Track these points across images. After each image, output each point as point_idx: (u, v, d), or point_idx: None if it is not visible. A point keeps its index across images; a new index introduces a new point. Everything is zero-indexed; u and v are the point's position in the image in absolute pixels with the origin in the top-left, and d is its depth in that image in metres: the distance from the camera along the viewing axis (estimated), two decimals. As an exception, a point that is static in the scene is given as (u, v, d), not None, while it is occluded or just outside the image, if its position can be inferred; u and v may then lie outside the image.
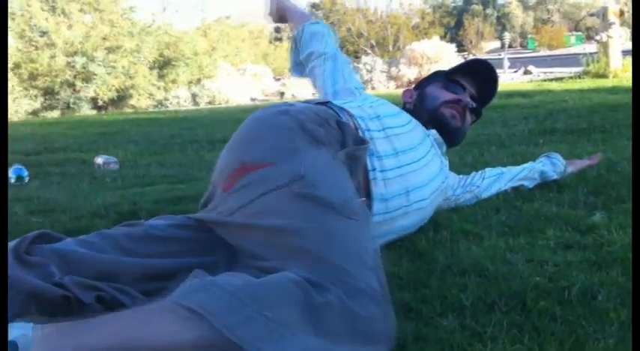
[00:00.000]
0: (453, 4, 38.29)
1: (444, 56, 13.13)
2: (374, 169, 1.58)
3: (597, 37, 9.51)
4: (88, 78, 11.67)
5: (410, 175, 1.66)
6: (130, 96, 11.94)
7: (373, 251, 1.18)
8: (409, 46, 14.11)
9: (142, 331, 0.97)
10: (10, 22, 11.20)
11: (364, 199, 1.50)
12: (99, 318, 1.02)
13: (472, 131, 2.28)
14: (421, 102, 1.96)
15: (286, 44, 25.65)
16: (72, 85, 11.73)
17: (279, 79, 14.83)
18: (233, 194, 1.31)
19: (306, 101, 1.66)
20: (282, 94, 13.02)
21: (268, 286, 1.02)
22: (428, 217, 1.80)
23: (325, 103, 1.63)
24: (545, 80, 9.85)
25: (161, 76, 12.49)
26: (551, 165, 2.29)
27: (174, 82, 12.52)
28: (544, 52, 28.90)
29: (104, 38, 12.22)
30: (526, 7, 38.74)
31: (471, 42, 31.84)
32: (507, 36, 18.15)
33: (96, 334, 0.97)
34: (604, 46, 9.19)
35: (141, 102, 11.99)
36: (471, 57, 15.81)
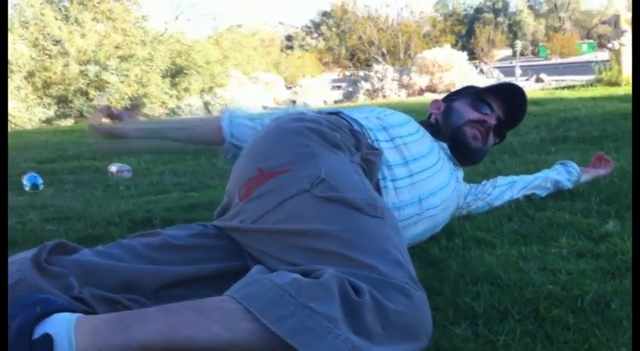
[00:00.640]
0: (464, 12, 38.29)
1: (456, 64, 13.12)
2: (384, 178, 1.59)
3: (609, 45, 9.48)
4: (101, 86, 11.76)
5: (421, 182, 1.66)
6: (143, 104, 12.01)
7: (401, 246, 1.19)
8: (420, 55, 14.11)
9: (192, 324, 0.99)
10: (23, 31, 11.31)
11: None
12: (148, 311, 1.03)
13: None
14: (446, 116, 1.95)
15: (298, 52, 25.74)
16: (85, 94, 11.82)
17: (290, 87, 14.88)
18: (252, 202, 1.31)
19: (318, 111, 1.68)
20: (293, 102, 13.06)
21: (313, 281, 1.03)
22: (440, 225, 1.80)
23: (336, 113, 1.64)
24: (557, 88, 9.82)
25: (173, 85, 12.57)
26: (566, 173, 2.29)
27: (186, 90, 12.60)
28: (556, 60, 28.82)
29: (117, 47, 12.31)
30: (537, 15, 38.67)
31: (483, 50, 31.82)
32: (519, 44, 18.12)
33: (145, 328, 0.98)
34: (616, 53, 9.15)
35: (153, 110, 12.06)
36: (482, 65, 15.79)
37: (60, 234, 2.10)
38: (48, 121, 11.55)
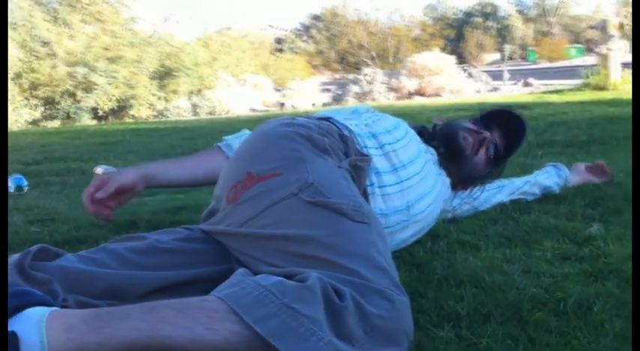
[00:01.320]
0: (453, 16, 38.40)
1: (445, 68, 13.16)
2: (372, 185, 1.59)
3: (597, 50, 9.55)
4: (88, 88, 11.71)
5: (410, 189, 1.67)
6: (131, 106, 11.95)
7: (386, 252, 1.19)
8: (410, 58, 14.14)
9: (173, 324, 0.97)
10: (11, 32, 11.24)
11: None
12: (127, 308, 1.01)
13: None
14: (448, 124, 2.02)
15: (287, 55, 25.74)
16: (73, 95, 11.77)
17: (279, 90, 14.86)
18: (240, 206, 1.31)
19: (308, 116, 1.67)
20: (282, 104, 13.04)
21: (297, 283, 1.03)
22: (426, 229, 1.80)
23: (327, 119, 1.64)
24: (545, 92, 9.88)
25: (162, 87, 12.52)
26: (556, 176, 2.30)
27: (174, 92, 12.55)
28: (544, 64, 28.97)
29: (105, 48, 12.26)
30: (527, 20, 38.84)
31: (472, 54, 31.95)
32: (508, 48, 18.20)
33: (124, 325, 0.96)
34: (604, 58, 9.23)
35: (141, 112, 12.01)
36: (471, 69, 15.85)
37: (44, 236, 2.08)
38: (34, 122, 11.48)
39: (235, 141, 1.88)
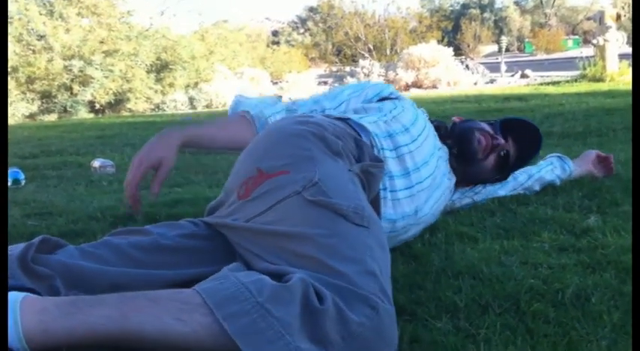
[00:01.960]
0: (450, 8, 38.35)
1: (442, 60, 13.15)
2: (385, 189, 1.58)
3: (594, 41, 9.54)
4: (85, 81, 11.68)
5: (420, 193, 1.66)
6: (128, 99, 11.94)
7: (381, 259, 1.17)
8: (406, 50, 14.13)
9: (144, 313, 0.99)
10: (7, 27, 11.18)
11: None
12: (102, 296, 1.03)
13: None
14: (465, 121, 2.02)
15: (284, 48, 25.69)
16: (69, 89, 11.74)
17: (276, 83, 14.85)
18: (250, 202, 1.31)
19: (326, 115, 1.66)
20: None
21: (277, 283, 1.03)
22: (428, 225, 1.80)
23: (345, 120, 1.61)
24: (541, 84, 9.88)
25: (158, 80, 12.50)
26: (560, 170, 2.29)
27: (171, 85, 12.53)
28: (541, 56, 28.96)
29: (102, 42, 12.23)
30: (523, 11, 38.83)
31: (469, 46, 31.90)
32: (504, 40, 18.19)
33: (96, 312, 0.99)
34: (601, 49, 9.23)
35: (138, 105, 12.00)
36: (468, 61, 15.83)
37: (41, 229, 2.08)
38: (31, 116, 11.45)
39: (269, 114, 1.74)
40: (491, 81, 13.20)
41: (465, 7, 38.05)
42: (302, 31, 37.27)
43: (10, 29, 11.25)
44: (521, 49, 34.94)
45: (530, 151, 2.05)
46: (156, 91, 12.23)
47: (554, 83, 9.43)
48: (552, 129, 4.04)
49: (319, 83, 15.26)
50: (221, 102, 11.99)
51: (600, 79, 8.82)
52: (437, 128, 1.91)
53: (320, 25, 31.94)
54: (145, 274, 1.28)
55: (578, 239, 1.69)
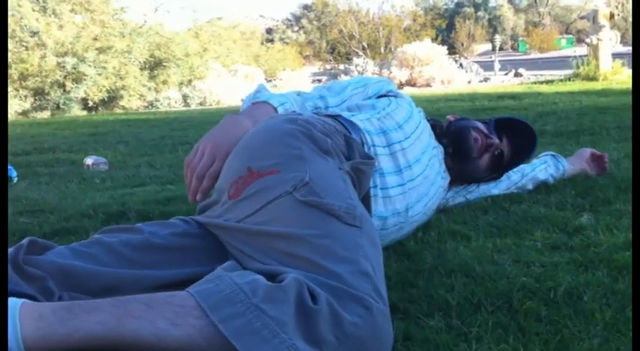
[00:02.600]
0: (444, 7, 38.36)
1: (436, 58, 13.16)
2: (375, 186, 1.57)
3: (587, 40, 9.56)
4: (78, 78, 11.63)
5: (412, 191, 1.66)
6: (121, 97, 11.89)
7: (374, 258, 1.17)
8: (400, 49, 14.14)
9: (139, 317, 0.99)
10: (0, 22, 11.10)
11: None
12: (98, 301, 1.03)
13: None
14: (460, 120, 2.02)
15: (278, 45, 25.67)
16: (62, 86, 11.69)
17: (270, 81, 14.83)
18: (241, 202, 1.30)
19: (316, 112, 1.65)
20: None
21: (271, 284, 1.03)
22: (421, 224, 1.80)
23: (335, 117, 1.60)
24: (535, 83, 9.90)
25: (152, 77, 12.46)
26: (554, 169, 2.30)
27: (165, 83, 12.49)
28: (535, 54, 29.02)
29: (95, 39, 12.18)
30: (517, 10, 38.90)
31: (463, 44, 31.92)
32: (498, 38, 18.22)
33: (91, 318, 0.99)
34: (594, 48, 9.25)
35: (131, 103, 11.95)
36: (462, 60, 15.85)
37: (34, 227, 2.07)
38: (24, 113, 11.40)
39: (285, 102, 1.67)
40: (485, 79, 13.22)
41: (459, 5, 38.08)
42: (296, 28, 37.23)
43: (2, 26, 11.17)
44: (515, 48, 35.01)
45: (525, 151, 2.05)
46: (149, 89, 12.20)
47: (547, 82, 9.44)
48: (545, 127, 4.05)
49: (313, 81, 15.25)
50: (214, 99, 11.97)
51: (594, 78, 8.84)
52: (433, 127, 1.90)
53: (314, 22, 31.91)
54: (138, 274, 1.27)
55: (570, 237, 1.69)
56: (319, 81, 15.00)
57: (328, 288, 1.05)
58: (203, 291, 1.03)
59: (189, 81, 12.75)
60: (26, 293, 1.11)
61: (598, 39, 9.15)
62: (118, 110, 11.66)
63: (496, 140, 1.97)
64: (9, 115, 10.86)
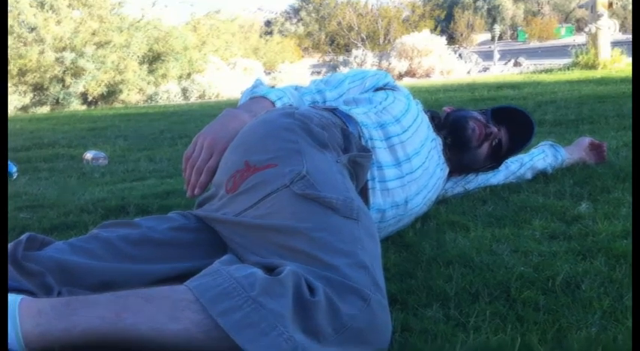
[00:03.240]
0: (443, -3, 38.19)
1: (435, 49, 13.13)
2: (373, 179, 1.58)
3: (586, 29, 9.53)
4: (77, 73, 11.60)
5: (411, 183, 1.66)
6: (120, 91, 11.85)
7: (372, 251, 1.17)
8: (399, 40, 14.10)
9: (137, 312, 0.99)
10: (-2, 18, 11.08)
11: None
12: (96, 296, 1.04)
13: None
14: (457, 111, 2.02)
15: (277, 38, 25.60)
16: (61, 81, 11.66)
17: (269, 73, 14.79)
18: (238, 196, 1.31)
19: (313, 106, 1.65)
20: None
21: (269, 277, 1.04)
22: (420, 215, 1.80)
23: (332, 110, 1.60)
24: (534, 72, 9.87)
25: (151, 71, 12.42)
26: (552, 158, 2.30)
27: (164, 76, 12.45)
28: (534, 44, 28.94)
29: (93, 33, 12.13)
30: (516, 0, 38.75)
31: (462, 35, 31.84)
32: (497, 28, 18.16)
33: (90, 313, 0.99)
34: (593, 37, 9.21)
35: (131, 97, 11.92)
36: (461, 50, 15.81)
37: (33, 222, 2.07)
38: (23, 108, 11.38)
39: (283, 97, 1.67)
40: (485, 69, 13.19)
41: (457, -5, 37.89)
42: (295, 21, 37.13)
43: (0, 21, 11.14)
44: (514, 38, 34.90)
45: (523, 140, 2.05)
46: (148, 83, 12.16)
47: (547, 71, 9.42)
48: (545, 117, 4.04)
49: (312, 73, 15.22)
50: (214, 93, 11.95)
51: (593, 67, 8.82)
52: (431, 118, 1.91)
53: (313, 14, 31.81)
54: (137, 269, 1.28)
55: (569, 226, 1.69)
56: (318, 73, 14.97)
57: (326, 280, 1.05)
58: (201, 285, 1.03)
59: (189, 74, 12.72)
60: (25, 289, 1.11)
61: (597, 28, 9.12)
62: (117, 105, 11.64)
63: (494, 129, 1.97)
64: (8, 111, 10.85)
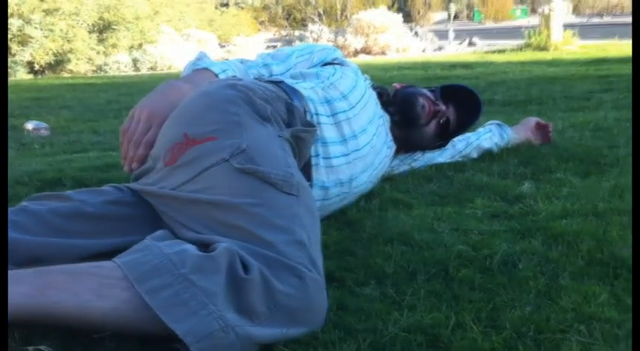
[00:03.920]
0: (401, -26, 38.16)
1: (391, 26, 13.09)
2: (317, 155, 1.54)
3: (539, 10, 9.64)
4: (24, 41, 11.22)
5: (357, 161, 1.64)
6: (68, 60, 11.49)
7: (311, 227, 1.15)
8: (356, 16, 14.02)
9: (61, 289, 0.95)
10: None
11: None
12: (21, 272, 0.99)
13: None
14: (406, 87, 2.01)
15: (233, 10, 25.23)
16: (7, 49, 11.28)
17: (224, 46, 14.56)
18: (176, 169, 1.26)
19: (258, 78, 1.60)
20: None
21: (202, 254, 1.01)
22: (365, 193, 1.79)
23: (278, 83, 1.56)
24: (487, 52, 9.95)
25: (101, 41, 12.06)
26: (499, 138, 2.31)
27: (114, 46, 12.11)
28: (490, 24, 29.20)
29: (41, 0, 11.75)
30: (473, -21, 38.96)
31: (419, 12, 31.91)
32: (453, 7, 18.23)
33: (14, 290, 0.95)
34: (546, 19, 9.32)
35: (79, 67, 11.58)
36: (417, 28, 15.84)
37: (-36, 194, 1.98)
38: (-34, 76, 11.00)
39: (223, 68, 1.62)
40: (440, 48, 13.23)
41: (415, -27, 37.90)
42: (252, -7, 36.63)
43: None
44: (470, 17, 35.15)
45: (470, 118, 2.05)
46: (98, 52, 11.81)
47: (499, 52, 9.50)
48: (495, 97, 4.08)
49: (268, 47, 15.06)
50: (166, 64, 11.70)
51: (545, 48, 8.93)
52: (379, 95, 1.89)
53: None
54: (68, 243, 1.23)
55: (510, 206, 1.70)
56: (274, 47, 14.81)
57: (261, 257, 1.03)
58: (130, 261, 1.00)
59: (140, 45, 12.41)
60: None
61: (549, 9, 9.22)
62: (65, 74, 11.32)
63: (443, 107, 1.97)
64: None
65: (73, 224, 1.26)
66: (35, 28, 11.18)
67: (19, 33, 11.23)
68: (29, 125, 3.56)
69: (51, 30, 11.38)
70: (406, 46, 12.76)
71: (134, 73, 10.91)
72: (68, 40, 11.42)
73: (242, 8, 29.66)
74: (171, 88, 1.52)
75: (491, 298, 1.14)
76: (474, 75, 5.79)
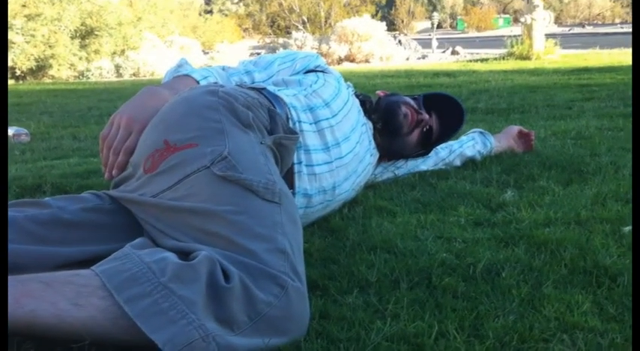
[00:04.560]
0: (384, -17, 38.34)
1: (375, 35, 13.14)
2: (300, 163, 1.53)
3: (522, 20, 9.72)
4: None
5: (339, 169, 1.63)
6: (50, 66, 11.40)
7: (293, 236, 1.14)
8: (340, 23, 14.05)
9: (37, 298, 0.93)
10: None
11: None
12: None
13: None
14: (389, 96, 2.00)
15: (217, 17, 25.22)
16: (7, 49, 11.18)
17: (207, 53, 14.53)
18: (157, 176, 1.24)
19: (240, 85, 1.59)
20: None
21: (182, 262, 0.99)
22: (348, 201, 1.78)
23: (260, 90, 1.55)
24: (470, 61, 10.02)
25: (83, 46, 11.98)
26: (482, 146, 2.31)
27: (97, 52, 12.03)
28: (472, 33, 29.42)
29: (23, 5, 11.64)
30: (456, -11, 39.22)
31: (403, 21, 32.08)
32: (436, 16, 18.31)
33: None
34: (528, 28, 9.41)
35: (61, 72, 11.49)
36: (401, 36, 15.91)
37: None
38: (-54, 81, 10.88)
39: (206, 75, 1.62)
40: (423, 57, 13.29)
41: (399, -18, 38.09)
42: (236, 0, 36.65)
43: None
44: (453, 26, 35.38)
45: (453, 127, 2.05)
46: (80, 58, 11.72)
47: (482, 60, 9.58)
48: (477, 105, 4.09)
49: (251, 54, 15.04)
50: (149, 71, 11.65)
51: (527, 58, 9.01)
52: (362, 103, 1.88)
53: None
54: (45, 251, 1.20)
55: (493, 214, 1.70)
56: (258, 54, 14.77)
57: (242, 266, 1.01)
58: (108, 270, 0.98)
59: (122, 51, 12.33)
60: None
61: (532, 19, 9.31)
62: (46, 80, 11.23)
63: (425, 116, 1.97)
64: None
65: (50, 232, 1.24)
66: (17, 33, 11.08)
67: (0, 38, 11.11)
68: (9, 131, 3.51)
69: (32, 35, 11.29)
70: (390, 54, 12.81)
71: (116, 79, 10.85)
72: (50, 46, 11.33)
73: (226, 15, 29.67)
74: (152, 94, 1.50)
75: (474, 307, 1.13)
76: (457, 83, 5.82)
